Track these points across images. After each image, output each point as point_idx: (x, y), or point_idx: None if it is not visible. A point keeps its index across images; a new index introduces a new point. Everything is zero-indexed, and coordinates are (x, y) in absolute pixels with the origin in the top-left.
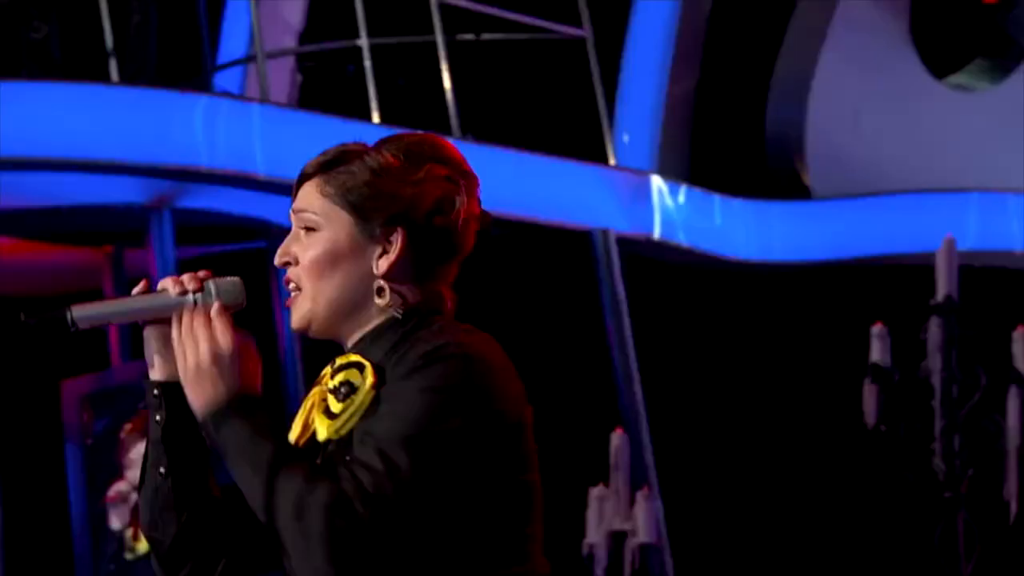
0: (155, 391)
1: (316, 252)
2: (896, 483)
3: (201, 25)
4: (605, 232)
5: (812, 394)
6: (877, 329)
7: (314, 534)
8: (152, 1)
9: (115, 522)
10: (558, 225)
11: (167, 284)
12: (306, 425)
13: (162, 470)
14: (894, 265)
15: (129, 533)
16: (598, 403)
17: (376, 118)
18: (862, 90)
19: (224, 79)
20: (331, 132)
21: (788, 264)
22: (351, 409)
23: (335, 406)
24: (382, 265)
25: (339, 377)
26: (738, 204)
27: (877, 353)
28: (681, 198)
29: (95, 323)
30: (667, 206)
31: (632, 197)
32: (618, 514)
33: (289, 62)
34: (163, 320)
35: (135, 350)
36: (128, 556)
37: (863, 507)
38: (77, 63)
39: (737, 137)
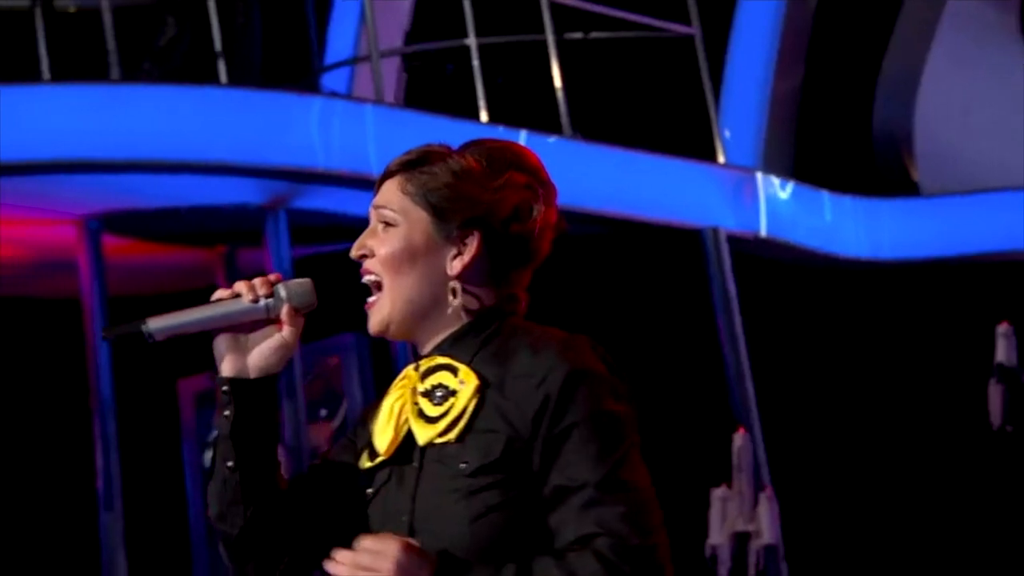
0: (224, 387)
1: (392, 247)
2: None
3: (309, 26)
4: (715, 230)
5: (932, 393)
6: (1003, 328)
7: None
8: (256, 3)
9: None
10: (668, 224)
11: (241, 288)
12: (396, 429)
13: (230, 464)
14: (1014, 262)
15: None
16: (710, 402)
17: (484, 117)
18: (970, 86)
19: (331, 79)
20: (440, 131)
21: (899, 261)
22: (453, 413)
23: (432, 410)
24: (456, 266)
25: (430, 380)
26: (847, 201)
27: (1002, 352)
28: (789, 195)
29: (170, 334)
30: (775, 203)
31: (740, 195)
32: (741, 515)
33: (396, 61)
34: (236, 327)
35: None
36: None
37: (987, 509)
38: (188, 65)
39: (843, 134)
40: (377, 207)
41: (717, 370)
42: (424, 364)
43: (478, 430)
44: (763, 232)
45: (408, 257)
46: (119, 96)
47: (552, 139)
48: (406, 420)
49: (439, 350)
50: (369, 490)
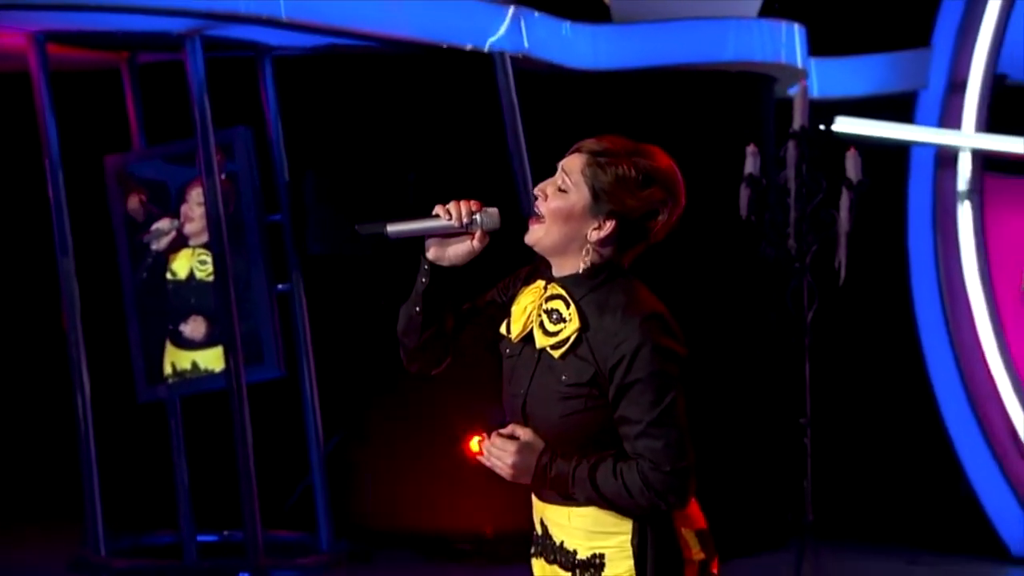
0: (425, 265)
1: (558, 205)
2: (761, 258)
3: None
4: (502, 53)
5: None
6: (751, 149)
7: (655, 495)
8: None
9: (153, 244)
10: (463, 47)
11: (452, 210)
12: (525, 325)
13: (417, 309)
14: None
15: (170, 259)
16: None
17: None
18: None
19: None
20: None
21: (613, 70)
22: (561, 336)
23: (549, 326)
24: (592, 236)
25: (551, 304)
26: (579, 26)
27: (750, 166)
28: (539, 22)
29: (402, 236)
30: (532, 28)
31: (510, 22)
32: None
33: None
34: (444, 235)
35: (150, 138)
36: (168, 276)
37: (736, 277)
38: None
39: None
40: (563, 170)
41: (506, 176)
42: (551, 289)
43: (576, 355)
44: (527, 52)
45: (565, 215)
46: None
47: None
48: (531, 322)
49: (563, 282)
50: (507, 351)
